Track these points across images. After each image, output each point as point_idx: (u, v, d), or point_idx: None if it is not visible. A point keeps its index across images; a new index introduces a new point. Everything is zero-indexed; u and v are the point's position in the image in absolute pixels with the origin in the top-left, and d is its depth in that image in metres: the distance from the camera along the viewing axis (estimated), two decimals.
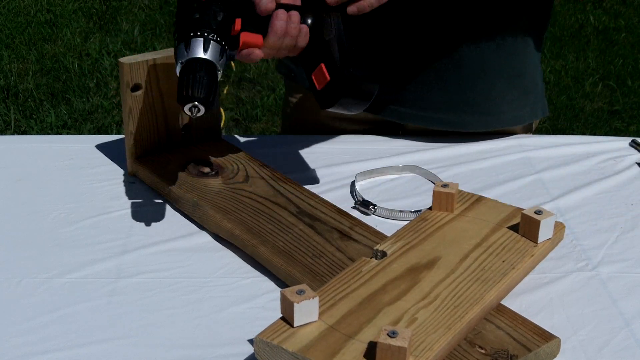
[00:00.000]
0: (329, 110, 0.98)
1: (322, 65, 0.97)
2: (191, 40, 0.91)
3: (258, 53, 0.96)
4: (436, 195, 0.95)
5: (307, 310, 0.73)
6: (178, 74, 0.90)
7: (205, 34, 0.91)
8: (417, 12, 1.17)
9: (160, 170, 1.07)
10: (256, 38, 0.95)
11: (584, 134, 3.00)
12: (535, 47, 1.25)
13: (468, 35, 1.18)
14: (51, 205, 1.03)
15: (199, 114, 0.89)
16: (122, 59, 1.05)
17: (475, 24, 1.17)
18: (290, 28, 0.96)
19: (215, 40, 0.91)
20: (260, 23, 0.95)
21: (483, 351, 0.75)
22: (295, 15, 0.97)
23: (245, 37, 0.95)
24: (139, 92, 1.06)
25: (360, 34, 1.13)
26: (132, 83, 1.05)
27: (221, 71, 0.92)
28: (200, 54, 0.90)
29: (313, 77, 0.98)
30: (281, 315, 0.74)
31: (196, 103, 0.88)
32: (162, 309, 0.85)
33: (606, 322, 0.84)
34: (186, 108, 0.89)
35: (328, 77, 0.96)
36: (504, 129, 1.26)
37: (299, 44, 0.98)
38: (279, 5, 0.96)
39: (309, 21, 0.98)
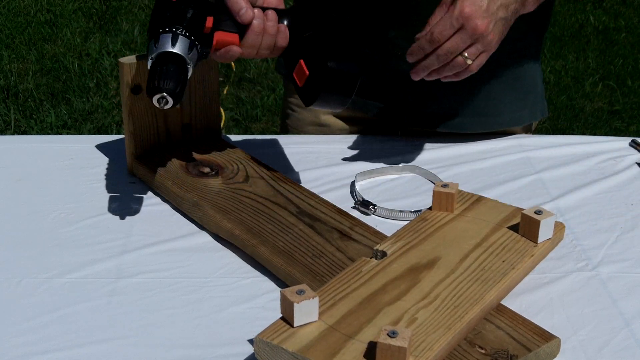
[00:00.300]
0: (314, 108, 0.98)
1: (301, 61, 0.97)
2: (160, 35, 0.93)
3: (236, 49, 0.97)
4: (436, 195, 0.95)
5: (307, 310, 0.73)
6: (149, 69, 0.92)
7: (174, 29, 0.92)
8: (417, 16, 1.17)
9: (160, 170, 1.07)
10: (231, 37, 0.96)
11: (584, 134, 3.00)
12: (535, 48, 1.25)
13: None
14: (51, 205, 1.03)
15: (167, 106, 0.90)
16: (122, 59, 1.05)
17: None
18: (267, 26, 0.97)
19: (184, 35, 0.93)
20: (237, 23, 0.96)
21: (483, 351, 0.75)
22: (272, 14, 0.98)
23: (219, 36, 0.96)
24: (139, 93, 1.06)
25: (359, 37, 1.14)
26: (132, 83, 1.05)
27: (191, 65, 0.94)
28: (169, 47, 0.92)
29: (294, 75, 0.99)
30: (281, 315, 0.74)
31: (164, 94, 0.89)
32: (162, 309, 0.85)
33: (606, 322, 0.84)
34: (154, 99, 0.90)
35: (307, 72, 0.97)
36: (503, 130, 1.26)
37: (279, 44, 0.99)
38: (256, 7, 0.97)
39: (286, 21, 0.99)
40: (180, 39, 0.92)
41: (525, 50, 1.23)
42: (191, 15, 0.94)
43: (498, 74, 1.21)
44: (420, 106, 1.23)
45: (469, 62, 1.01)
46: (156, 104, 0.90)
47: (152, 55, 0.92)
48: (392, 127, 1.27)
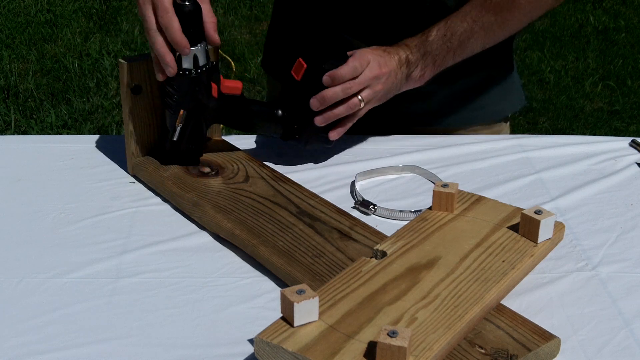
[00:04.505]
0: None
1: (300, 59, 1.06)
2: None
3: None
4: (436, 195, 0.95)
5: (307, 310, 0.73)
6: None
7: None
8: (404, 21, 1.19)
9: (160, 170, 1.07)
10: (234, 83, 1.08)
11: (584, 134, 3.01)
12: (507, 50, 1.27)
13: None
14: (51, 205, 1.03)
15: None
16: (122, 59, 1.05)
17: None
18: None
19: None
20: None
21: (483, 351, 0.75)
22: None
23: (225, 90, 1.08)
24: (139, 93, 1.06)
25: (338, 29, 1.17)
26: (132, 83, 1.05)
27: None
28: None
29: (292, 73, 1.07)
30: (281, 315, 0.74)
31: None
32: (162, 309, 0.85)
33: (606, 322, 0.84)
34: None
35: (305, 65, 1.06)
36: (488, 124, 1.28)
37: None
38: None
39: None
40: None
41: (497, 55, 1.24)
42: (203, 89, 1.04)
43: (473, 76, 1.25)
44: (403, 106, 1.23)
45: (362, 104, 1.08)
46: None
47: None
48: (392, 127, 1.27)
